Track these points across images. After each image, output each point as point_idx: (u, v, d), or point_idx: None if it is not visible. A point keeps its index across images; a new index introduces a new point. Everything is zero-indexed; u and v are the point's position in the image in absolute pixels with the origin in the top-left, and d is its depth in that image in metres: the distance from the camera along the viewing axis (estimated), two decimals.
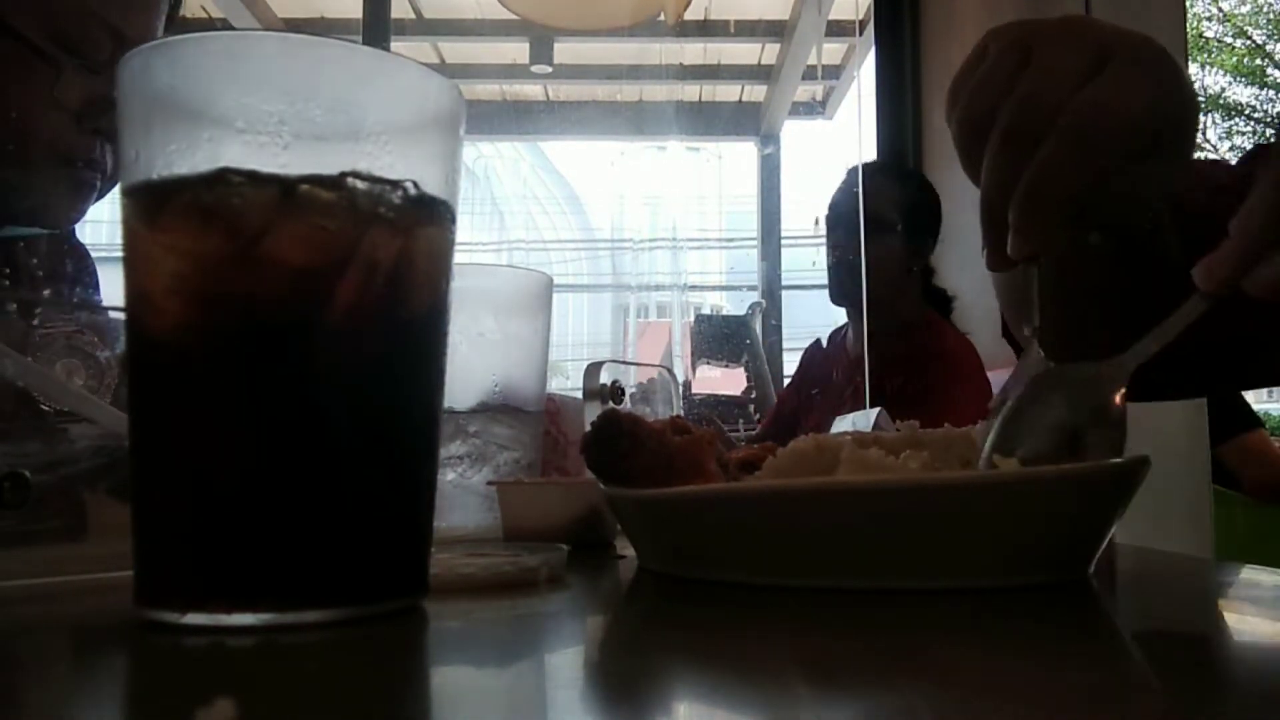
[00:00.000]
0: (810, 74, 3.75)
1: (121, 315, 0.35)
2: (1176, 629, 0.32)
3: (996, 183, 0.42)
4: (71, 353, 0.55)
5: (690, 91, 4.15)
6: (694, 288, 4.97)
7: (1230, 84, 9.74)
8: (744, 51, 3.92)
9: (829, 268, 1.74)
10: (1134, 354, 0.41)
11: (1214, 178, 0.55)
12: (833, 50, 3.76)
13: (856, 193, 1.67)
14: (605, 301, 5.52)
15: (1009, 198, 0.41)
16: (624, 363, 0.77)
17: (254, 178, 0.31)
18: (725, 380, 2.77)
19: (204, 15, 3.29)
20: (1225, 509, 1.71)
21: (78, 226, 0.88)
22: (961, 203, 1.69)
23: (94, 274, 0.89)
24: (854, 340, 1.73)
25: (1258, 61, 9.68)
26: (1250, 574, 0.44)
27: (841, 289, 1.73)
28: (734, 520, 0.39)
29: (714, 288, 5.17)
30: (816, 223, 1.87)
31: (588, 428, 0.47)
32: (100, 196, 0.82)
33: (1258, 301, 0.38)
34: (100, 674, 0.28)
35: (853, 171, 1.74)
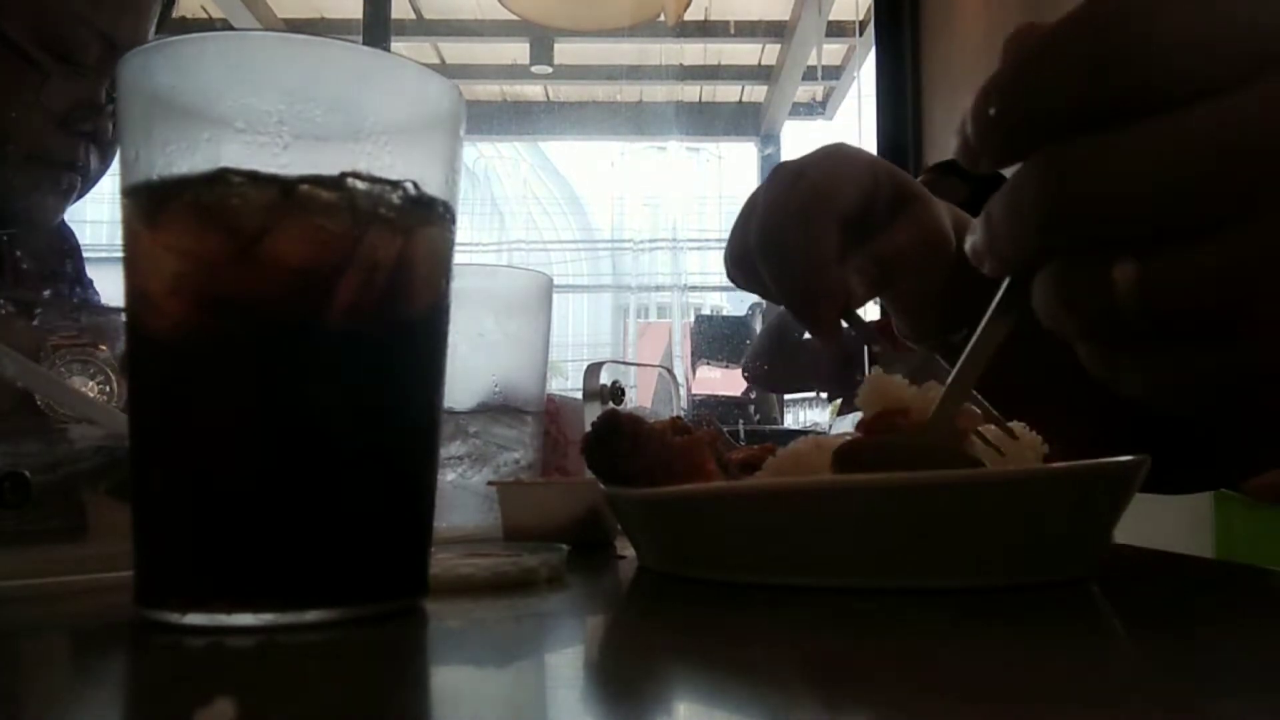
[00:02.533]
0: (810, 74, 3.76)
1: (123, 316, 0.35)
2: (1177, 629, 0.32)
3: (776, 272, 0.50)
4: (85, 368, 0.55)
5: (690, 92, 4.16)
6: (694, 288, 4.97)
7: None
8: (744, 52, 3.93)
9: None
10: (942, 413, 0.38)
11: None
12: (833, 50, 3.77)
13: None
14: (605, 302, 5.52)
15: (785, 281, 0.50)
16: (624, 363, 0.76)
17: (254, 178, 0.31)
18: (725, 380, 2.77)
19: (204, 15, 3.29)
20: (1225, 509, 1.71)
21: (70, 225, 0.88)
22: None
23: (81, 263, 0.89)
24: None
25: None
26: (1250, 574, 0.44)
27: None
28: (734, 519, 0.39)
29: (714, 288, 5.17)
30: None
31: (588, 428, 0.47)
32: (80, 196, 0.82)
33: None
34: (100, 674, 0.28)
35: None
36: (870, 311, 0.61)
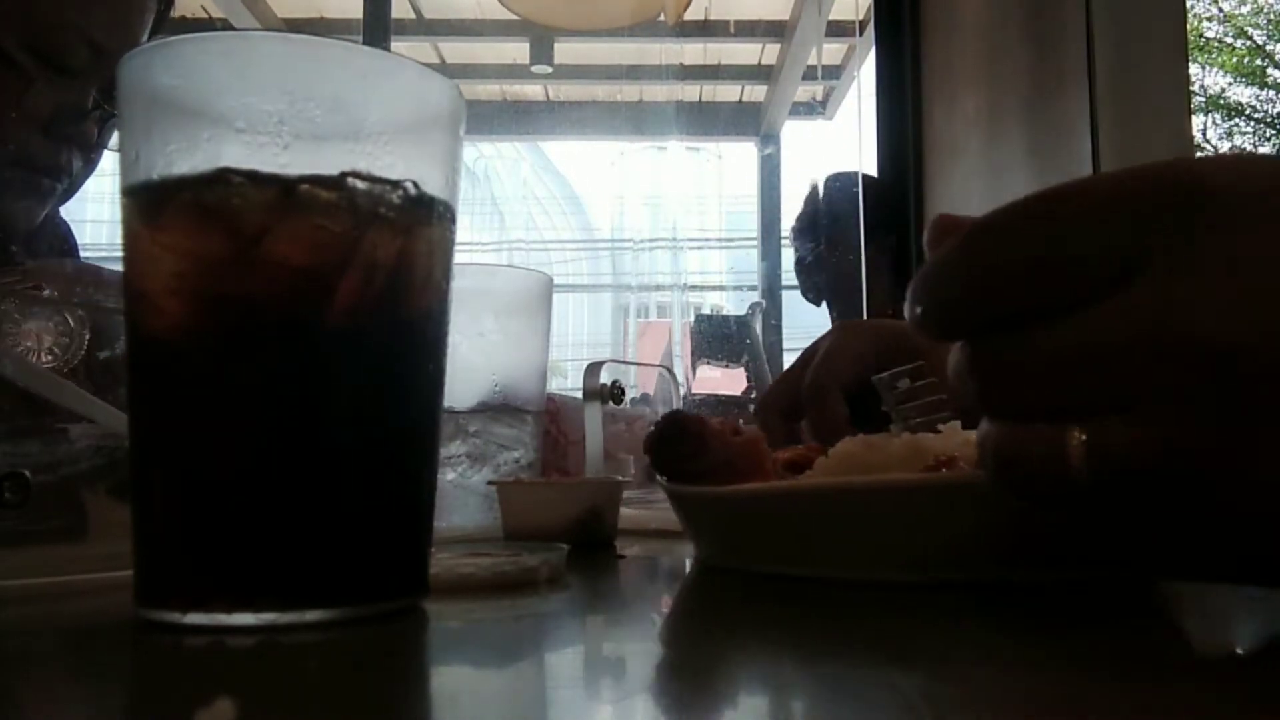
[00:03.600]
0: (810, 74, 3.76)
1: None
2: (1176, 628, 0.32)
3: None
4: (35, 313, 0.54)
5: (690, 91, 4.15)
6: (694, 288, 4.96)
7: (1230, 84, 9.72)
8: (744, 51, 3.92)
9: (821, 269, 1.82)
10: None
11: None
12: (833, 50, 3.77)
13: (835, 199, 1.77)
14: (605, 301, 5.52)
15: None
16: (624, 363, 0.76)
17: (254, 178, 0.31)
18: (725, 380, 2.77)
19: (204, 15, 3.29)
20: None
21: (65, 219, 0.88)
22: (955, 204, 1.70)
23: (75, 247, 0.89)
24: None
25: (1258, 62, 9.66)
26: None
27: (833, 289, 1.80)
28: (803, 516, 0.40)
29: (714, 288, 5.17)
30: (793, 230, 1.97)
31: (588, 428, 0.47)
32: (64, 200, 0.82)
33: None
34: (100, 674, 0.28)
35: (833, 177, 1.84)
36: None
